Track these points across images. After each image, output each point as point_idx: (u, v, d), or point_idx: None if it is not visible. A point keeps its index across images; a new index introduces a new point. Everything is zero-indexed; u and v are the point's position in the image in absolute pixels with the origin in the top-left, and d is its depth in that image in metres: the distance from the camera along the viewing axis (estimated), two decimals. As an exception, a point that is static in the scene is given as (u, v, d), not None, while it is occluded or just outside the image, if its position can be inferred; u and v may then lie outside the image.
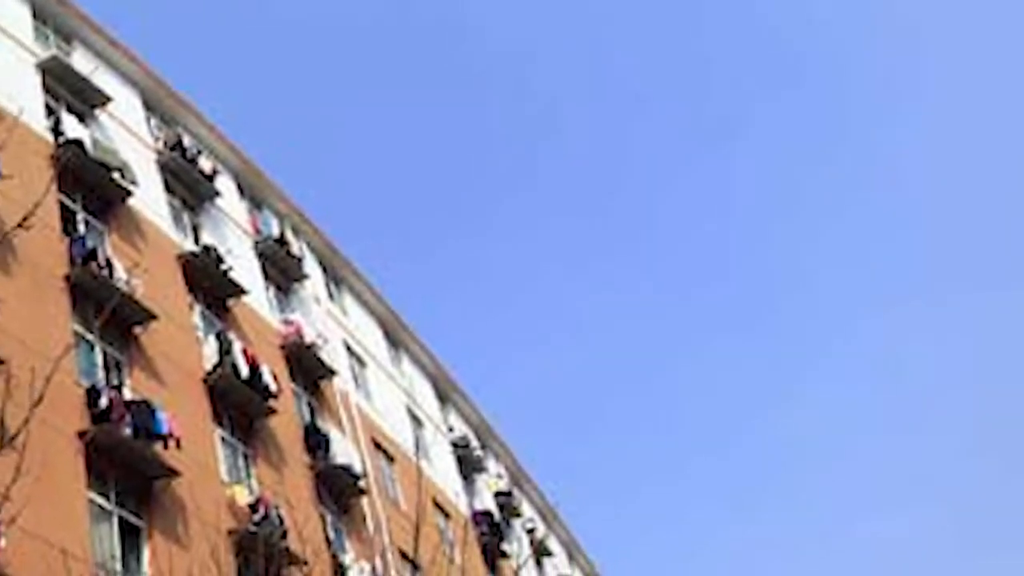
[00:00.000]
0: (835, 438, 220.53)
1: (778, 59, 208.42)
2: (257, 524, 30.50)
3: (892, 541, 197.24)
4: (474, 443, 55.91)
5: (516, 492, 59.56)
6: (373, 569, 34.80)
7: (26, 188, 26.32)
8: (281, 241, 43.27)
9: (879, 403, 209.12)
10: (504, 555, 52.41)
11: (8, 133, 27.06)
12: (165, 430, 28.73)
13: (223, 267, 37.08)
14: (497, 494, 55.95)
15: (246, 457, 34.51)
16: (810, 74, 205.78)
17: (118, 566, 26.62)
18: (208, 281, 36.68)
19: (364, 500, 39.66)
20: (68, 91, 35.29)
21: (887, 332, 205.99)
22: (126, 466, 28.13)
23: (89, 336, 29.79)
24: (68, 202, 32.15)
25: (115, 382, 29.46)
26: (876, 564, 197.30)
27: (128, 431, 27.71)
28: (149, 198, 36.12)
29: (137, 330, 31.38)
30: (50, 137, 32.38)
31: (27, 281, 27.79)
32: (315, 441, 37.51)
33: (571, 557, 68.95)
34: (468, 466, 54.47)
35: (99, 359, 30.02)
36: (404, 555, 37.69)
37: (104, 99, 36.46)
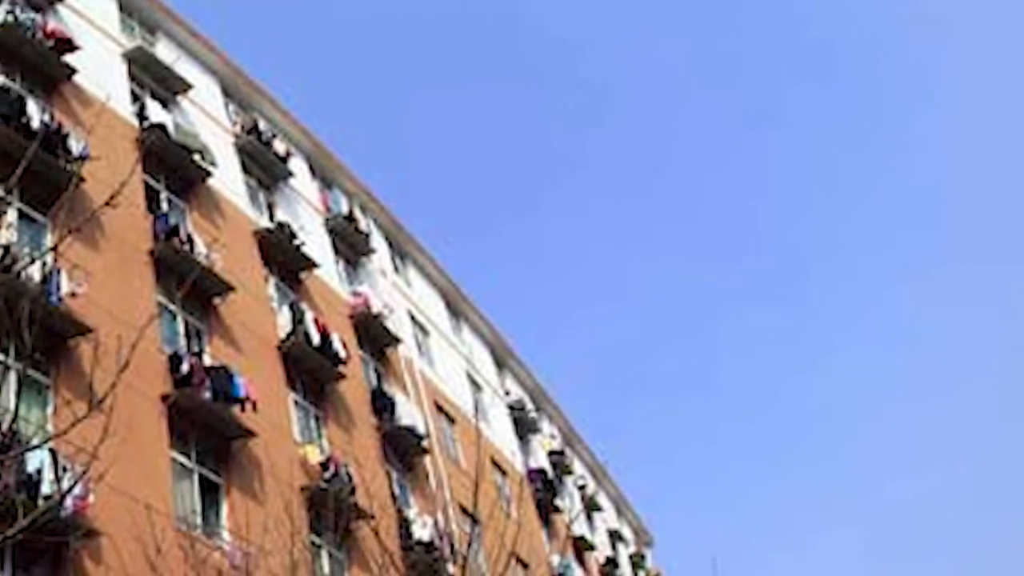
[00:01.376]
0: (864, 401, 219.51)
1: (811, 49, 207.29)
2: (328, 481, 30.50)
3: (919, 498, 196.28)
4: (529, 406, 55.77)
5: (568, 451, 59.43)
6: (435, 523, 34.67)
7: (113, 169, 26.34)
8: (350, 218, 43.17)
9: (905, 368, 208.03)
10: (557, 510, 52.47)
11: (96, 118, 27.24)
12: (242, 394, 28.89)
13: (296, 242, 37.01)
14: (550, 453, 55.80)
15: (317, 419, 34.50)
16: (841, 63, 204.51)
17: (198, 520, 26.70)
18: (282, 255, 36.61)
19: (427, 459, 39.59)
20: (152, 79, 35.27)
21: (912, 301, 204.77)
22: (206, 427, 28.24)
23: (172, 306, 29.91)
24: (152, 182, 32.19)
25: (196, 349, 29.61)
26: (904, 520, 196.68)
27: (208, 395, 27.85)
28: (227, 178, 36.10)
29: (216, 301, 31.45)
30: (135, 122, 32.34)
31: (114, 256, 27.81)
32: (381, 404, 37.46)
33: (619, 512, 68.75)
34: (523, 427, 54.29)
35: (181, 328, 30.13)
36: (464, 510, 37.54)
37: (185, 86, 36.46)
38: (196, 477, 27.71)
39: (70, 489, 15.15)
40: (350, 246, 43.21)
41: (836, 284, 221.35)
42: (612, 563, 59.33)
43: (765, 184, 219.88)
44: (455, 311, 52.98)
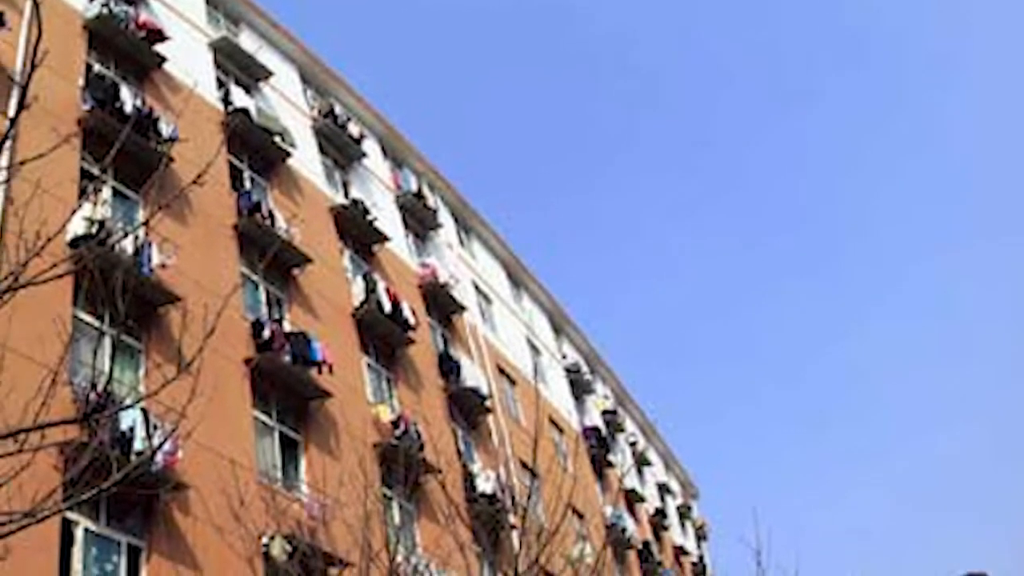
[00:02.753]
0: (892, 366, 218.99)
1: (844, 38, 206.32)
2: (398, 438, 30.41)
3: (942, 455, 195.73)
4: (584, 369, 55.64)
5: (620, 411, 59.31)
6: (498, 477, 34.49)
7: (200, 150, 26.34)
8: (419, 195, 43.05)
9: (930, 336, 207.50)
10: (610, 465, 52.36)
11: (185, 103, 27.33)
12: (319, 357, 28.89)
13: (369, 218, 36.94)
14: (604, 412, 55.67)
15: (389, 381, 34.42)
16: (873, 51, 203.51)
17: (279, 474, 26.80)
18: (356, 230, 36.54)
19: (490, 418, 39.46)
20: (236, 67, 35.34)
21: (937, 274, 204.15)
22: (286, 388, 28.27)
23: (254, 277, 29.91)
24: (236, 162, 32.27)
25: (276, 316, 29.66)
26: (929, 475, 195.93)
27: (288, 358, 27.86)
28: (305, 158, 36.05)
29: (295, 272, 31.43)
30: (220, 106, 32.45)
31: (201, 230, 27.84)
32: (448, 367, 37.36)
33: (667, 467, 68.62)
34: (579, 388, 54.16)
35: (263, 297, 30.18)
36: (524, 465, 37.39)
37: (267, 73, 36.49)
38: (277, 434, 27.79)
39: (160, 445, 15.09)
40: (419, 221, 43.10)
41: (868, 258, 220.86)
42: (661, 514, 59.36)
43: (802, 164, 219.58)
44: (516, 281, 52.81)
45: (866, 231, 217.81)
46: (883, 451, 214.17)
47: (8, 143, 10.00)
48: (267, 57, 37.24)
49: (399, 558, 21.97)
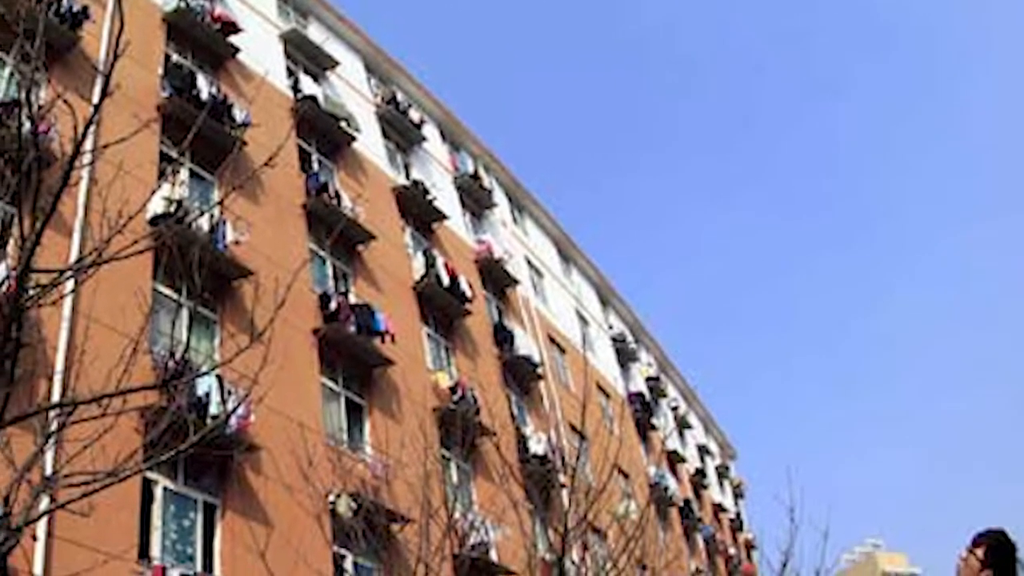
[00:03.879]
0: (917, 334, 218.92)
1: (873, 29, 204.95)
2: (456, 403, 30.44)
3: (964, 416, 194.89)
4: (629, 338, 55.46)
5: (663, 377, 59.20)
6: (548, 439, 34.48)
7: (271, 134, 26.29)
8: (475, 177, 42.94)
9: (953, 305, 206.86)
10: (653, 428, 52.18)
11: (257, 91, 27.33)
12: (382, 328, 28.90)
13: (428, 197, 36.82)
14: (647, 379, 55.59)
15: (447, 349, 34.37)
16: (900, 42, 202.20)
17: (344, 436, 26.88)
18: (416, 209, 36.43)
19: (541, 384, 39.37)
20: (304, 57, 35.25)
21: (960, 248, 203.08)
22: (351, 356, 28.30)
23: (321, 252, 29.92)
24: (304, 146, 32.26)
25: (342, 289, 29.70)
26: (951, 434, 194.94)
27: (353, 328, 27.90)
28: (369, 142, 35.97)
29: (360, 248, 31.43)
30: (290, 94, 32.48)
31: (272, 209, 27.85)
32: (502, 336, 37.27)
33: (707, 430, 68.41)
34: (624, 356, 54.02)
35: (329, 271, 30.21)
36: (573, 427, 37.35)
37: (333, 63, 36.40)
38: (343, 399, 27.84)
39: (234, 410, 15.11)
40: (475, 200, 42.93)
41: (895, 233, 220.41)
42: (700, 474, 59.31)
43: (834, 147, 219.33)
44: (565, 256, 52.63)
45: (893, 209, 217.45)
46: (909, 413, 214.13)
47: (92, 128, 9.91)
48: (334, 48, 37.17)
49: (457, 515, 21.98)
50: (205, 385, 20.75)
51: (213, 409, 20.28)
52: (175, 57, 28.12)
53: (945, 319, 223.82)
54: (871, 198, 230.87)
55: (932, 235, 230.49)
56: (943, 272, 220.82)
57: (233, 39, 30.28)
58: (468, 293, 34.95)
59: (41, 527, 16.69)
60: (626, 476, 41.60)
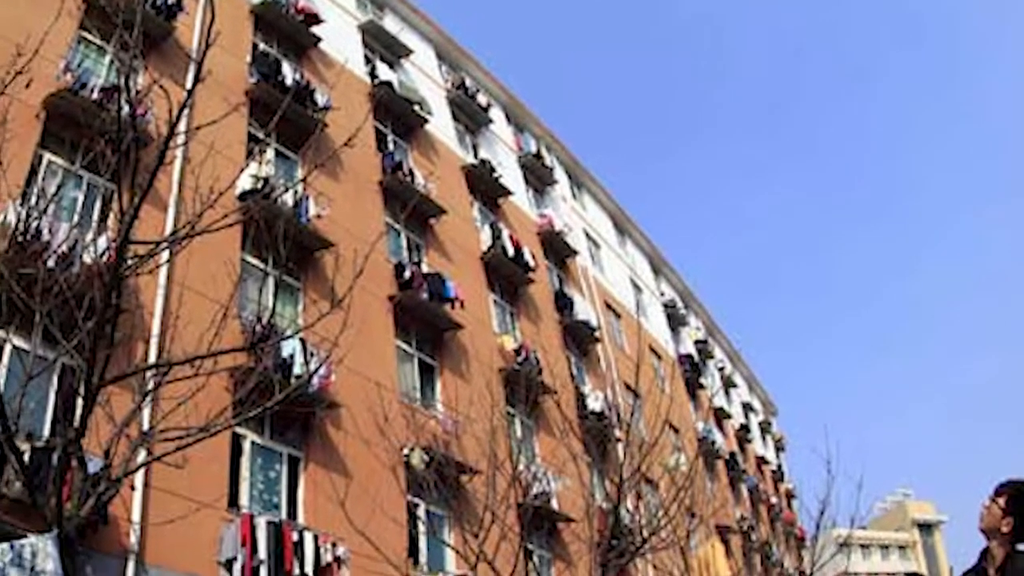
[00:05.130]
0: (943, 299, 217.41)
1: (903, 19, 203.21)
2: (520, 364, 30.30)
3: (988, 376, 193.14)
4: (679, 304, 55.22)
5: (710, 340, 58.91)
6: (605, 397, 34.31)
7: (350, 117, 26.44)
8: (537, 156, 42.64)
9: (976, 274, 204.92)
10: (701, 387, 51.99)
11: (337, 77, 27.32)
12: (452, 295, 28.81)
13: (495, 175, 36.66)
14: (696, 342, 55.27)
15: (512, 315, 34.23)
16: (928, 31, 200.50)
17: (417, 395, 26.90)
18: (484, 185, 36.25)
19: (598, 346, 39.21)
20: (381, 45, 35.13)
21: (982, 223, 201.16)
22: (423, 321, 28.24)
23: (396, 226, 29.82)
24: (381, 127, 32.17)
25: (415, 259, 29.73)
26: (977, 393, 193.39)
27: (425, 296, 27.83)
28: (440, 124, 35.78)
29: (432, 221, 31.31)
30: (368, 80, 32.37)
31: (351, 186, 27.80)
32: (562, 303, 37.09)
33: (751, 389, 68.01)
34: (674, 321, 53.74)
35: (404, 243, 30.09)
36: (628, 386, 37.13)
37: (407, 51, 36.23)
38: (416, 361, 27.82)
39: (316, 370, 15.07)
40: (538, 178, 42.67)
41: (921, 209, 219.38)
42: (745, 429, 59.00)
43: (865, 129, 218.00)
44: (620, 229, 52.33)
45: (920, 187, 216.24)
46: (936, 373, 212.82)
47: (186, 111, 9.89)
48: (408, 37, 36.98)
49: (521, 467, 21.89)
50: (289, 347, 20.74)
51: (297, 369, 20.28)
52: (262, 46, 28.17)
53: (967, 286, 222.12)
54: (898, 177, 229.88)
55: (956, 210, 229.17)
56: (966, 243, 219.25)
57: (315, 29, 30.25)
58: (531, 263, 34.74)
59: (139, 478, 16.77)
60: (676, 431, 41.49)
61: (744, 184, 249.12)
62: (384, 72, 32.85)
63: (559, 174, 45.22)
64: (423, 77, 36.98)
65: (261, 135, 24.42)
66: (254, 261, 22.62)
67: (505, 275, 34.14)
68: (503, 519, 19.02)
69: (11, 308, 11.37)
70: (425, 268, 28.91)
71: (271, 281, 22.73)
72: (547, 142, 45.76)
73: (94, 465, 11.56)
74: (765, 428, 67.49)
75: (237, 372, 15.54)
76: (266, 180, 22.79)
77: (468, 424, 23.49)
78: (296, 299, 24.01)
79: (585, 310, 38.19)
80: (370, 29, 34.80)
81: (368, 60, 33.73)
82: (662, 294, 54.21)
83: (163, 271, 18.80)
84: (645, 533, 19.65)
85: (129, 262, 10.14)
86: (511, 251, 33.82)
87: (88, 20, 22.01)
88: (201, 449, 12.40)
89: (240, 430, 19.99)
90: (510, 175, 39.09)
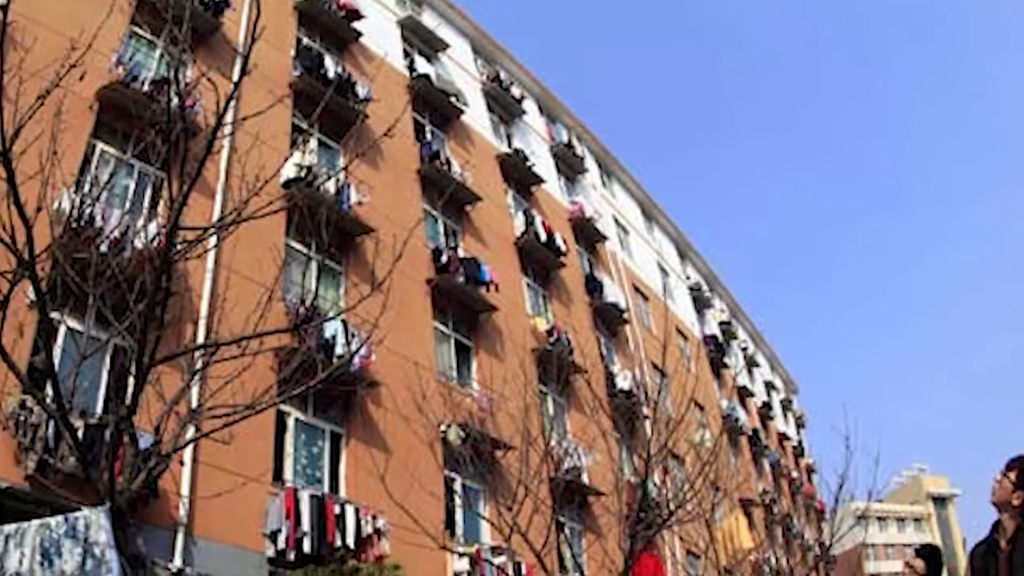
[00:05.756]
0: (955, 284, 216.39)
1: (915, 15, 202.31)
2: (552, 344, 30.19)
3: (1001, 355, 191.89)
4: (704, 287, 55.02)
5: (734, 322, 58.66)
6: (633, 376, 34.24)
7: (389, 108, 26.21)
8: (569, 145, 42.49)
9: (992, 258, 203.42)
10: (725, 366, 51.91)
11: (377, 70, 27.26)
12: (487, 278, 28.75)
13: (528, 164, 36.53)
14: (720, 323, 55.03)
15: (544, 297, 34.09)
16: (938, 27, 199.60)
17: (454, 373, 26.87)
18: (517, 174, 36.14)
19: (627, 327, 39.06)
20: (419, 40, 35.09)
21: (990, 211, 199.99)
22: (460, 303, 28.21)
23: (434, 212, 29.79)
24: (419, 118, 32.10)
25: (452, 244, 29.64)
26: (991, 372, 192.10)
27: (461, 279, 27.77)
28: (476, 115, 35.70)
29: (467, 208, 31.23)
30: (406, 73, 32.31)
31: (390, 174, 27.74)
32: (592, 286, 36.97)
33: (772, 368, 67.71)
34: (700, 303, 53.58)
35: (441, 228, 30.04)
36: (655, 366, 36.94)
37: (444, 46, 36.17)
38: (452, 341, 27.78)
39: (357, 350, 15.03)
40: (569, 166, 42.52)
41: (937, 195, 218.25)
42: (767, 406, 58.83)
43: (880, 122, 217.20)
44: (648, 215, 52.13)
45: (932, 176, 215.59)
46: (950, 354, 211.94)
47: (232, 103, 9.82)
48: (445, 32, 36.89)
49: (553, 442, 21.96)
50: (332, 329, 20.73)
51: (339, 350, 20.27)
52: (305, 41, 28.19)
53: (984, 268, 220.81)
54: (913, 166, 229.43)
55: (966, 199, 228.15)
56: (977, 230, 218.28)
57: (356, 25, 30.21)
58: (563, 248, 34.62)
59: (187, 453, 16.82)
60: (701, 408, 41.41)
61: (766, 173, 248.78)
62: (422, 65, 32.76)
63: (589, 163, 45.09)
64: (459, 70, 36.87)
65: (304, 126, 24.38)
66: (298, 246, 22.55)
67: (538, 259, 34.00)
68: (536, 493, 19.03)
69: (66, 291, 11.40)
70: (461, 253, 28.81)
71: (314, 265, 22.62)
72: (578, 132, 45.63)
73: (145, 441, 11.54)
74: (786, 406, 67.22)
75: (282, 352, 15.51)
76: (309, 168, 22.76)
77: (502, 402, 23.41)
78: (338, 282, 23.99)
79: (614, 293, 38.07)
80: (409, 24, 34.76)
81: (407, 54, 33.65)
82: (688, 278, 54.06)
83: (211, 256, 18.88)
84: (672, 506, 19.63)
85: (178, 247, 10.10)
86: (543, 237, 33.72)
87: (139, 16, 22.12)
88: (247, 426, 12.37)
89: (284, 408, 20.02)
90: (543, 164, 38.93)
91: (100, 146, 19.70)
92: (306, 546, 18.29)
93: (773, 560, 37.32)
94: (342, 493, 20.76)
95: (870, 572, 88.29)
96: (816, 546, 46.19)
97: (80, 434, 11.71)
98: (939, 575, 8.83)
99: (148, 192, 20.27)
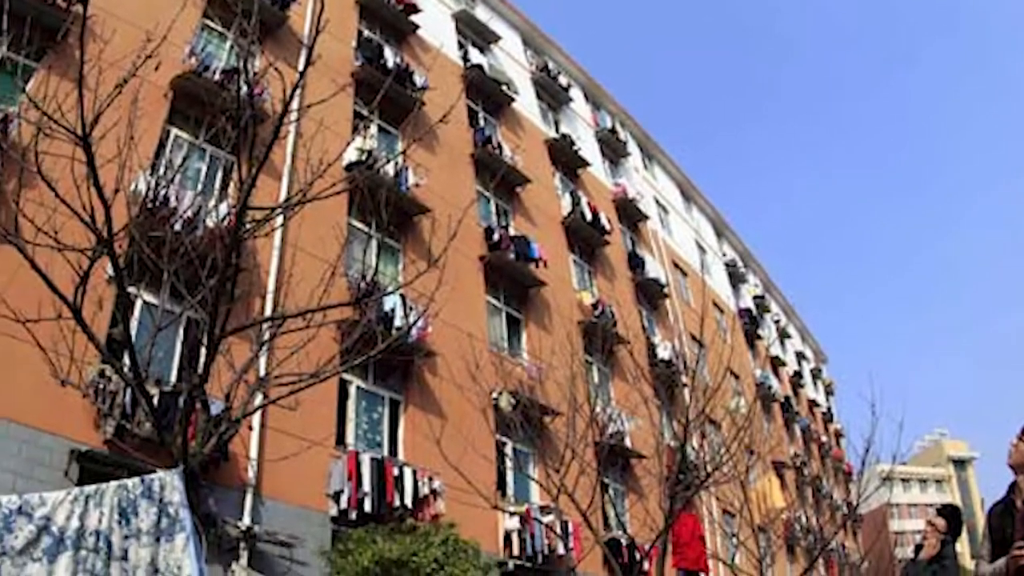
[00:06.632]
0: (975, 261, 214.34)
1: (939, 7, 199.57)
2: (597, 317, 30.06)
3: (1016, 328, 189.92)
4: (739, 263, 54.63)
5: (767, 296, 58.24)
6: (673, 347, 34.04)
7: (445, 96, 26.15)
8: (612, 131, 42.26)
9: (1004, 240, 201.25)
10: (759, 337, 51.48)
11: (433, 60, 27.28)
12: (536, 255, 28.65)
13: (574, 148, 36.29)
14: (754, 297, 54.73)
15: (589, 273, 33.89)
16: (962, 20, 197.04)
17: (505, 344, 26.78)
18: (564, 157, 35.92)
19: (667, 301, 38.81)
20: (472, 32, 34.87)
21: (1011, 193, 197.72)
22: (511, 279, 28.08)
23: (486, 193, 29.68)
24: (472, 105, 31.97)
25: (503, 224, 29.51)
26: (1005, 343, 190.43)
27: (512, 256, 27.67)
28: (526, 103, 35.49)
29: (518, 189, 31.04)
30: (460, 63, 32.14)
31: (446, 158, 27.61)
32: (635, 262, 36.76)
33: (803, 339, 67.21)
34: (735, 279, 53.27)
35: (493, 208, 29.93)
36: (693, 337, 36.71)
37: (496, 38, 35.90)
38: (504, 314, 27.67)
39: (415, 323, 14.86)
40: (612, 150, 42.28)
41: (957, 180, 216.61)
42: (798, 375, 58.44)
43: (907, 108, 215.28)
44: (687, 196, 51.82)
45: (956, 160, 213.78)
46: (965, 327, 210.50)
47: (298, 91, 9.69)
48: (496, 25, 36.67)
49: (598, 409, 21.80)
50: (391, 302, 20.67)
51: (397, 322, 20.24)
52: (366, 33, 28.10)
53: (1002, 245, 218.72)
54: (936, 148, 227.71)
55: (987, 182, 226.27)
56: (997, 212, 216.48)
57: (413, 18, 30.08)
58: (607, 227, 34.41)
59: (256, 419, 16.86)
60: (736, 377, 41.27)
61: (797, 157, 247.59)
62: (475, 56, 32.66)
63: (632, 147, 44.77)
64: (510, 60, 36.66)
65: (365, 112, 24.37)
66: (359, 225, 22.51)
67: (583, 238, 33.79)
68: (582, 456, 18.91)
69: (142, 267, 11.39)
70: (512, 231, 28.73)
71: (374, 243, 22.65)
72: (621, 119, 45.37)
73: (216, 407, 11.50)
74: (816, 374, 66.80)
75: (344, 324, 15.47)
76: (370, 153, 22.70)
77: (550, 371, 23.32)
78: (396, 259, 23.88)
79: (655, 269, 37.85)
80: (463, 17, 34.56)
81: (461, 45, 33.52)
82: (724, 254, 53.73)
83: (278, 234, 18.84)
84: (709, 468, 19.56)
85: (247, 226, 10.01)
86: (589, 216, 33.51)
87: (210, 9, 22.13)
88: (312, 393, 12.29)
89: (347, 376, 20.08)
90: (588, 148, 38.75)
91: (174, 131, 19.70)
92: (367, 506, 18.31)
93: (804, 519, 37.14)
94: (400, 456, 20.74)
95: (894, 530, 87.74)
96: (844, 506, 45.97)
97: (155, 401, 11.70)
98: (959, 533, 8.89)
99: (219, 174, 20.29)
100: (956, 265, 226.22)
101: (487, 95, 32.88)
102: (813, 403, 61.00)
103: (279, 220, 15.33)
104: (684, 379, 27.74)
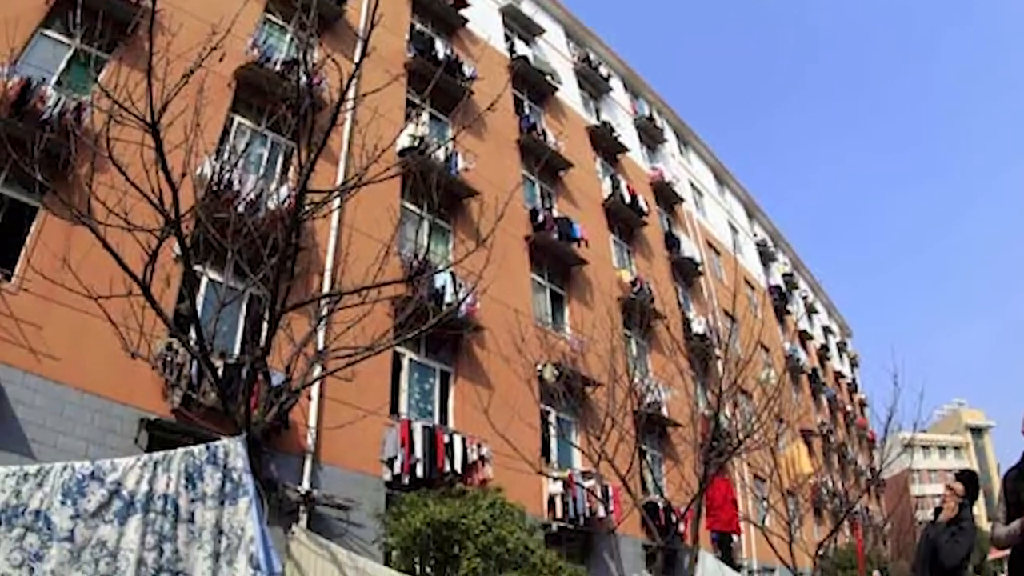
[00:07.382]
0: (992, 240, 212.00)
1: (953, 3, 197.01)
2: (635, 294, 29.81)
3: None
4: (769, 243, 54.13)
5: (795, 273, 57.69)
6: (707, 321, 33.80)
7: (492, 86, 26.36)
8: (650, 118, 41.88)
9: (1018, 221, 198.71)
10: (788, 312, 51.11)
11: (481, 52, 27.16)
12: (578, 235, 28.41)
13: (614, 135, 35.94)
14: (784, 275, 54.21)
15: (628, 252, 33.62)
16: (976, 14, 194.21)
17: (549, 319, 26.60)
18: (605, 143, 35.61)
19: (701, 279, 38.44)
20: (518, 25, 34.60)
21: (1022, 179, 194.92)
22: (554, 257, 27.83)
23: (531, 177, 29.39)
24: (518, 94, 31.68)
25: (547, 206, 29.32)
26: (1020, 318, 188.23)
27: (555, 236, 27.44)
28: (568, 92, 35.17)
29: (561, 173, 30.77)
30: (507, 54, 31.85)
31: (493, 144, 27.40)
32: (671, 242, 36.44)
33: (830, 314, 66.60)
34: (766, 258, 52.75)
35: (537, 191, 29.63)
36: (726, 312, 36.48)
37: (540, 30, 35.60)
38: (548, 291, 27.46)
39: (464, 299, 14.76)
40: (650, 137, 41.90)
41: (973, 165, 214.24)
42: (824, 348, 57.94)
43: (925, 99, 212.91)
44: (720, 180, 51.37)
45: (971, 146, 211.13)
46: (987, 302, 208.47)
47: (354, 81, 9.62)
48: (541, 19, 36.48)
49: (636, 380, 21.72)
50: (441, 280, 20.57)
51: (447, 298, 20.15)
52: (418, 26, 27.90)
53: (1014, 233, 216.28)
54: (950, 138, 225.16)
55: (1003, 166, 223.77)
56: (1015, 193, 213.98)
57: (463, 12, 29.88)
58: (644, 208, 34.15)
59: (315, 390, 16.84)
60: (767, 350, 40.93)
61: (823, 143, 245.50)
62: (521, 48, 32.34)
63: (668, 134, 44.38)
64: (554, 52, 36.35)
65: (417, 101, 24.27)
66: (411, 207, 22.42)
67: (623, 219, 33.50)
68: (621, 424, 18.88)
69: (207, 247, 11.41)
70: (555, 213, 28.48)
71: (426, 224, 22.59)
72: (658, 107, 44.98)
73: (277, 379, 11.49)
74: (842, 348, 66.22)
75: (397, 301, 15.46)
76: (421, 139, 22.58)
77: (591, 344, 23.19)
78: (447, 239, 23.75)
79: (690, 248, 37.52)
80: (509, 12, 34.29)
81: (507, 38, 33.22)
82: (755, 235, 53.24)
83: (335, 215, 18.84)
84: (740, 436, 19.65)
85: (306, 208, 9.98)
86: (628, 199, 33.22)
87: (271, 4, 22.17)
88: (367, 365, 12.27)
89: (400, 349, 20.02)
90: (627, 135, 38.42)
91: (237, 119, 19.66)
92: (419, 471, 18.28)
93: (830, 483, 36.82)
94: (450, 424, 20.68)
95: (915, 494, 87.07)
96: (868, 471, 45.50)
97: (220, 373, 11.67)
98: (976, 497, 8.87)
99: (279, 159, 20.24)
100: (976, 244, 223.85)
101: (532, 85, 32.59)
102: (839, 374, 60.51)
103: (336, 202, 15.32)
104: (717, 352, 27.56)
